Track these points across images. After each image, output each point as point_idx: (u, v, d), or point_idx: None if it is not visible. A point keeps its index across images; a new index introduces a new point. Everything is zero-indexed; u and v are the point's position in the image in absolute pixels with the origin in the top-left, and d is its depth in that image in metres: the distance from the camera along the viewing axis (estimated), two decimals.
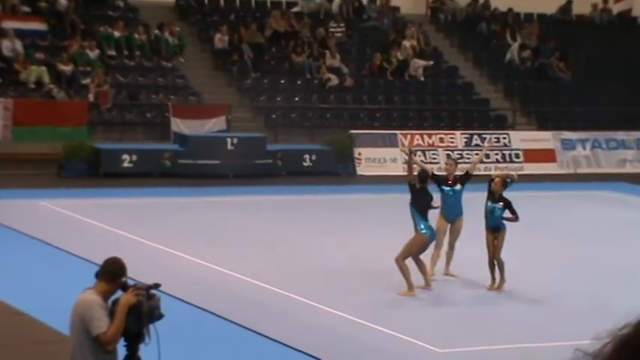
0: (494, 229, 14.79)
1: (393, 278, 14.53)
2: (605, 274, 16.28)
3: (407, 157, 15.35)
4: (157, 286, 7.47)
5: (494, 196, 14.87)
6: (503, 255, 14.80)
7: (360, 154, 27.95)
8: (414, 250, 14.36)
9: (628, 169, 30.63)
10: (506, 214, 14.77)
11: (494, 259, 14.79)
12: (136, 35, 30.06)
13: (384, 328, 12.55)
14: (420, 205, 14.31)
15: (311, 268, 15.85)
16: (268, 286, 14.54)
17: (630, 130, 31.43)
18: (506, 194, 14.95)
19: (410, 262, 14.31)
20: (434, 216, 15.07)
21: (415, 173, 14.63)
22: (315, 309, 13.43)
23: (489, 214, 14.82)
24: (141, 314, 7.25)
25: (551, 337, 12.18)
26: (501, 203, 14.78)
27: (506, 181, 15.20)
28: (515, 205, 14.76)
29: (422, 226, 14.22)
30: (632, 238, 19.44)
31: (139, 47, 30.01)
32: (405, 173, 15.12)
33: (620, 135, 31.25)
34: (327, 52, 31.47)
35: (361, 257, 16.64)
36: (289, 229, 19.31)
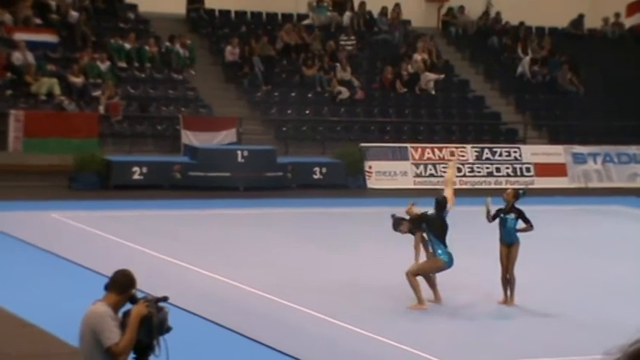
0: (509, 244, 14.76)
1: (402, 292, 14.51)
2: (615, 290, 16.22)
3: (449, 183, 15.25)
4: (165, 299, 7.48)
5: (506, 208, 14.86)
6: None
7: (370, 167, 27.96)
8: (426, 271, 14.34)
9: (639, 183, 30.56)
10: (520, 225, 14.75)
11: (507, 274, 14.75)
12: (147, 47, 30.15)
13: (394, 342, 12.52)
14: (437, 231, 14.22)
15: (321, 281, 15.84)
16: (278, 299, 14.52)
17: None
18: (519, 207, 14.93)
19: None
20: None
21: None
22: (325, 322, 13.42)
23: (502, 226, 14.79)
24: (152, 326, 7.26)
25: (561, 352, 12.15)
26: (513, 214, 14.77)
27: (519, 193, 15.20)
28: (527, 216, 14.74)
29: (440, 251, 14.16)
30: None
31: (150, 59, 30.10)
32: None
33: (632, 149, 31.19)
34: (338, 65, 31.52)
35: (371, 271, 16.62)
36: (299, 242, 19.30)
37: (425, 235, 14.57)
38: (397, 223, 14.72)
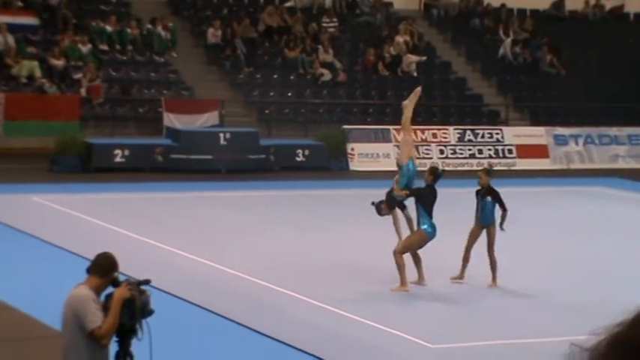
0: (485, 225, 14.78)
1: (386, 274, 14.53)
2: (597, 270, 16.29)
3: None
4: (147, 282, 7.47)
5: (482, 190, 14.89)
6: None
7: (352, 149, 27.96)
8: (414, 246, 14.36)
9: (620, 164, 30.69)
10: (496, 210, 14.77)
11: (489, 256, 14.78)
12: (129, 30, 30.02)
13: (376, 324, 12.54)
14: (428, 203, 14.28)
15: (303, 263, 15.84)
16: (260, 281, 14.52)
17: (623, 126, 31.49)
18: (501, 189, 14.96)
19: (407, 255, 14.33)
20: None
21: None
22: (307, 304, 13.42)
23: (481, 209, 14.82)
24: (134, 309, 7.25)
25: (544, 333, 12.19)
26: (489, 197, 14.77)
27: (490, 170, 15.28)
28: (505, 199, 14.76)
29: (425, 224, 14.20)
30: (625, 234, 19.47)
31: (132, 42, 29.97)
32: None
33: (613, 131, 31.30)
34: (320, 47, 31.47)
35: (354, 253, 16.64)
36: (282, 224, 19.29)
37: (403, 212, 14.56)
38: (378, 209, 14.71)
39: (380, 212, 14.72)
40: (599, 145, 30.92)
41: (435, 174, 14.56)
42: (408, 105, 15.42)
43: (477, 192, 14.95)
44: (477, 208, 14.86)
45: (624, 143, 31.29)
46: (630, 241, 18.68)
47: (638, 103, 32.45)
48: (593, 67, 34.47)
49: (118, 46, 29.80)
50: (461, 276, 14.88)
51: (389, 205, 14.62)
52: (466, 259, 14.82)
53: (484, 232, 14.83)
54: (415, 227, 14.42)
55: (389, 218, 14.76)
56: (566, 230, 19.73)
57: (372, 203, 14.70)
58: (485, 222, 14.78)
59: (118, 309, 7.22)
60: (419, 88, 16.06)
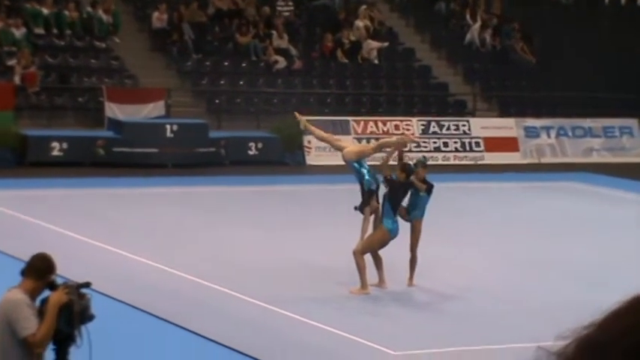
0: (416, 219, 14.80)
1: (344, 275, 14.56)
2: (568, 271, 16.43)
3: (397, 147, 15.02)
4: (87, 284, 7.44)
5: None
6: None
7: (309, 142, 27.97)
8: (375, 246, 14.40)
9: (595, 158, 30.97)
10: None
11: (411, 253, 14.77)
12: (67, 12, 29.83)
13: (333, 328, 12.57)
14: (397, 200, 14.34)
15: (255, 264, 15.85)
16: (211, 284, 14.51)
17: (597, 117, 31.75)
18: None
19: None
20: None
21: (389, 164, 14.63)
22: (259, 308, 13.42)
23: (412, 204, 14.83)
24: (72, 314, 7.22)
25: (511, 338, 12.27)
26: (424, 187, 14.80)
27: (426, 164, 15.40)
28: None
29: (388, 222, 14.24)
30: (598, 233, 19.66)
31: (70, 26, 29.79)
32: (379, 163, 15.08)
33: (587, 122, 31.57)
34: (274, 32, 31.45)
35: (310, 253, 16.67)
36: (233, 223, 19.29)
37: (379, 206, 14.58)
38: (363, 211, 14.63)
39: (364, 213, 14.69)
40: (572, 138, 31.18)
41: (407, 170, 14.60)
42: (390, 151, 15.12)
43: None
44: (411, 202, 14.86)
45: (599, 136, 31.59)
46: (602, 240, 18.85)
47: (614, 92, 32.77)
48: (566, 54, 34.72)
49: (55, 31, 29.62)
50: (382, 281, 14.77)
51: (367, 202, 14.62)
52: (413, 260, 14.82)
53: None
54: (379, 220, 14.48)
55: (349, 218, 14.80)
56: (536, 229, 19.87)
57: (355, 208, 14.72)
58: (415, 216, 14.83)
59: (54, 315, 7.18)
60: (407, 137, 16.02)
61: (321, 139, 16.17)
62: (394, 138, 16.03)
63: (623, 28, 35.80)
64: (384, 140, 15.58)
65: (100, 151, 25.61)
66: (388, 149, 15.01)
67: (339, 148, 15.35)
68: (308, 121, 27.61)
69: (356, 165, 14.77)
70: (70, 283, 7.48)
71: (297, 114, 16.37)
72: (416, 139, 15.77)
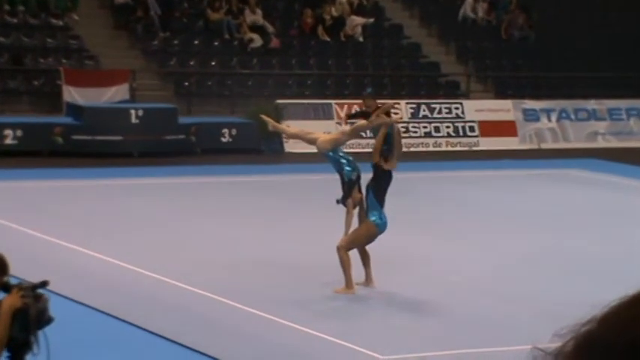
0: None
1: (328, 273, 14.57)
2: (571, 265, 16.49)
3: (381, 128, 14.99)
4: (44, 284, 7.41)
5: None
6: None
7: (288, 127, 27.98)
8: (361, 241, 14.37)
9: (600, 143, 31.07)
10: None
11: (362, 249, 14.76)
12: None
13: (315, 331, 12.59)
14: (380, 190, 14.31)
15: (229, 261, 15.86)
16: (178, 283, 14.51)
17: (602, 99, 31.84)
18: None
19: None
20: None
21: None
22: (234, 309, 13.44)
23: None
24: (28, 320, 7.19)
25: (507, 341, 12.29)
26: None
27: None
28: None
29: (374, 216, 14.22)
30: (603, 224, 19.73)
31: (23, 2, 29.70)
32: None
33: (591, 104, 31.65)
34: (248, 7, 31.42)
35: (290, 248, 16.68)
36: (204, 216, 19.29)
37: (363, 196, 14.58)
38: (345, 204, 14.62)
39: (347, 206, 14.67)
40: (575, 121, 31.27)
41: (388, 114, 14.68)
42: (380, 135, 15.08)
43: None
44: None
45: (604, 118, 31.68)
46: (607, 232, 18.93)
47: (620, 71, 32.84)
48: (568, 30, 34.80)
49: (6, 7, 29.53)
50: (369, 279, 14.71)
51: (349, 194, 14.61)
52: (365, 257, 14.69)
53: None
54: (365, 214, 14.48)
55: (332, 210, 14.81)
56: (534, 220, 19.93)
57: (337, 202, 14.70)
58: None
59: (7, 321, 7.15)
60: (387, 105, 16.10)
61: (294, 137, 16.15)
62: (369, 121, 15.67)
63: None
64: (359, 124, 15.47)
65: (58, 139, 25.56)
66: (379, 132, 14.89)
67: (314, 141, 15.33)
68: (284, 105, 27.69)
69: (332, 155, 14.78)
70: (24, 284, 7.45)
71: (263, 116, 16.31)
72: (394, 104, 15.81)
